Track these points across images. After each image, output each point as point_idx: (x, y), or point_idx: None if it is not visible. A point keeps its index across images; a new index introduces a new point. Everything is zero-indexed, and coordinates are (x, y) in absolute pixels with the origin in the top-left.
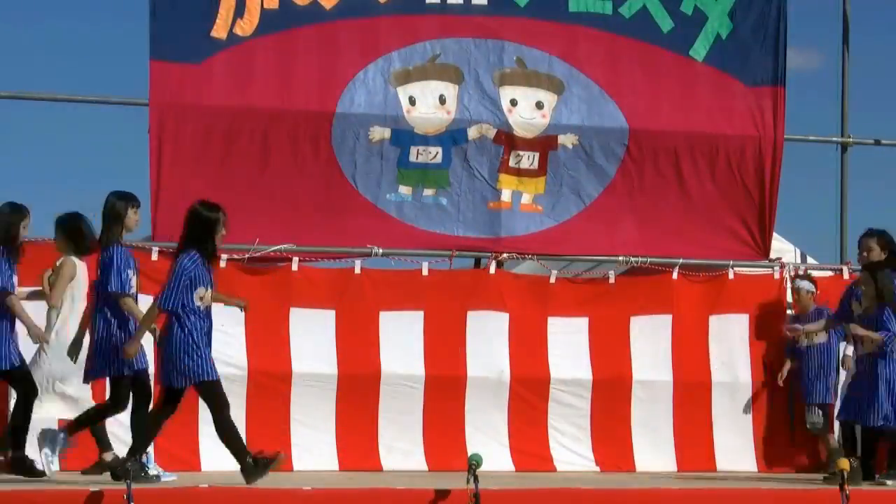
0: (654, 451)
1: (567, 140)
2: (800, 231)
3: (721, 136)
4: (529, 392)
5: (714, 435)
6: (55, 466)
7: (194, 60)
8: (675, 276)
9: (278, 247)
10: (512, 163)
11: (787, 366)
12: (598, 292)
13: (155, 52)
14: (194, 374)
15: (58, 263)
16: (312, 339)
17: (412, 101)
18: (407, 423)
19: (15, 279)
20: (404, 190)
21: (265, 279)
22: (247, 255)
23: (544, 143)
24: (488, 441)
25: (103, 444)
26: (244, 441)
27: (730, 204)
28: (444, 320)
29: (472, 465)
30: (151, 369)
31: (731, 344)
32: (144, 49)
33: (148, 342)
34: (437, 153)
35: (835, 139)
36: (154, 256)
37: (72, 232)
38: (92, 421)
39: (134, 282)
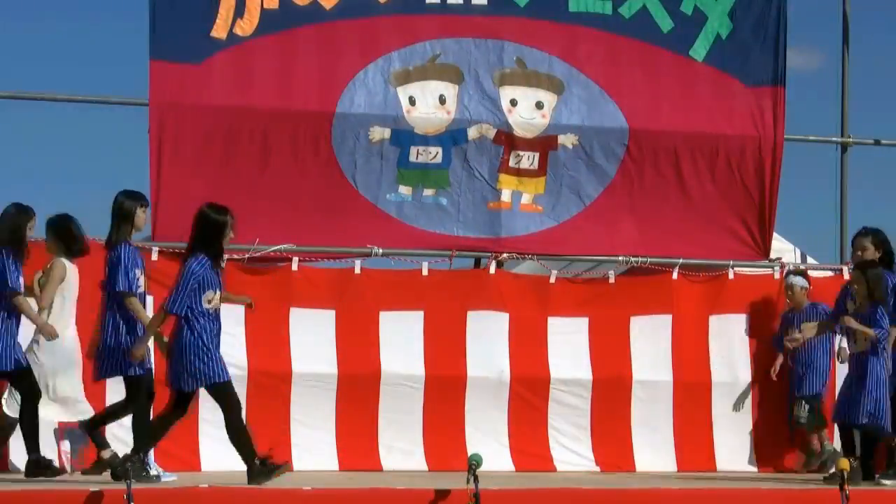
0: (654, 451)
1: (567, 140)
2: (800, 231)
3: (721, 136)
4: (529, 392)
5: (714, 435)
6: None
7: (194, 60)
8: (675, 276)
9: (278, 247)
10: (512, 163)
11: (780, 360)
12: (598, 292)
13: (155, 52)
14: (205, 376)
15: (48, 265)
16: (312, 339)
17: (412, 101)
18: (407, 423)
19: (21, 280)
20: (404, 190)
21: (265, 279)
22: (247, 255)
23: (544, 143)
24: (488, 441)
25: (100, 442)
26: (253, 444)
27: (730, 204)
28: (444, 320)
29: (472, 465)
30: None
31: (730, 344)
32: (144, 49)
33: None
34: (437, 153)
35: (835, 139)
36: (154, 256)
37: (62, 233)
38: (108, 420)
39: (142, 281)
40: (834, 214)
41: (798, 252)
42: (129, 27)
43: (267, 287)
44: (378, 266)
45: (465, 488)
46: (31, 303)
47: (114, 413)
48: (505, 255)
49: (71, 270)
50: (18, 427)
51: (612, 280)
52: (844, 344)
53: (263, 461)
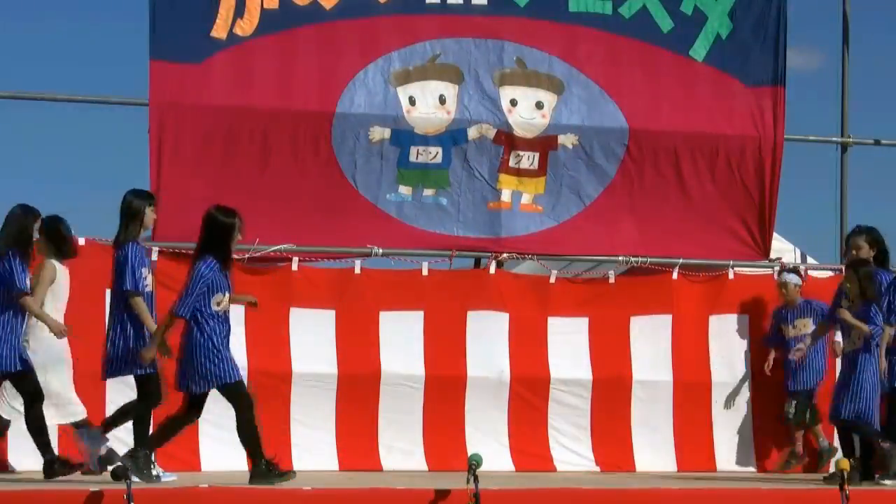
0: (654, 451)
1: (567, 140)
2: (800, 231)
3: (721, 136)
4: (529, 392)
5: (714, 435)
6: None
7: (194, 60)
8: (675, 276)
9: (278, 247)
10: (512, 163)
11: (772, 354)
12: (598, 292)
13: (155, 52)
14: (216, 377)
15: (38, 266)
16: (312, 339)
17: (412, 101)
18: (407, 423)
19: (28, 280)
20: (404, 190)
21: (265, 279)
22: (247, 255)
23: (544, 143)
24: (488, 441)
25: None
26: (262, 446)
27: (730, 204)
28: (444, 320)
29: (472, 465)
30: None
31: (730, 344)
32: (144, 49)
33: None
34: (437, 153)
35: (835, 139)
36: (154, 256)
37: (52, 235)
38: (120, 421)
39: (149, 280)
40: (834, 214)
41: (798, 252)
42: (129, 27)
43: (267, 287)
44: (378, 266)
45: (465, 488)
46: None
47: (127, 413)
48: (505, 255)
49: (61, 272)
50: (11, 428)
51: (612, 280)
52: (839, 338)
53: (269, 464)
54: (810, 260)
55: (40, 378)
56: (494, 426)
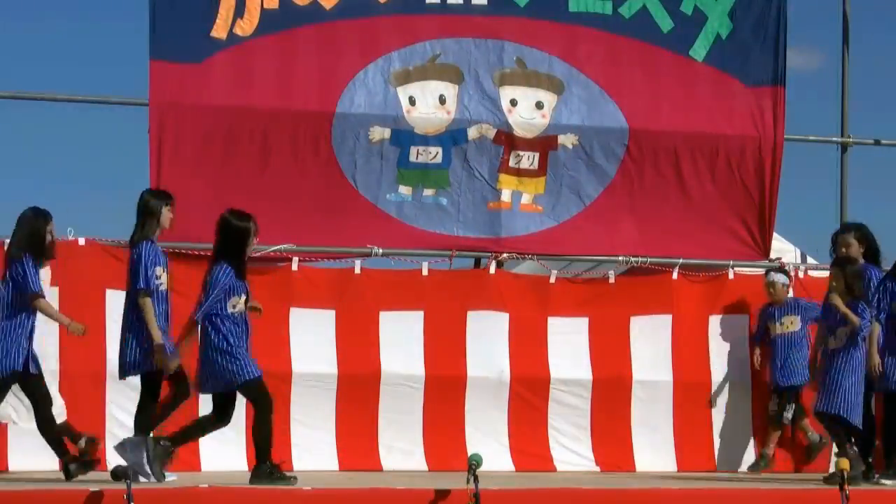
0: (654, 451)
1: (567, 140)
2: (800, 231)
3: (721, 136)
4: (529, 392)
5: (714, 435)
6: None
7: (194, 60)
8: (675, 276)
9: (278, 247)
10: (512, 163)
11: (758, 351)
12: (598, 292)
13: (155, 52)
14: (235, 375)
15: None
16: (312, 339)
17: (412, 101)
18: (407, 423)
19: (41, 282)
20: (404, 190)
21: (265, 279)
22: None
23: (544, 143)
24: (488, 441)
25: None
26: (271, 447)
27: (730, 204)
28: (444, 320)
29: (472, 465)
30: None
31: (731, 344)
32: (144, 49)
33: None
34: (437, 153)
35: (835, 139)
36: None
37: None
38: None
39: (164, 279)
40: (834, 214)
41: (798, 252)
42: (129, 27)
43: (267, 287)
44: (378, 266)
45: (465, 488)
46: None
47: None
48: (505, 255)
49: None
50: (11, 429)
51: (612, 280)
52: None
53: (273, 466)
54: (810, 260)
55: None
56: (494, 426)
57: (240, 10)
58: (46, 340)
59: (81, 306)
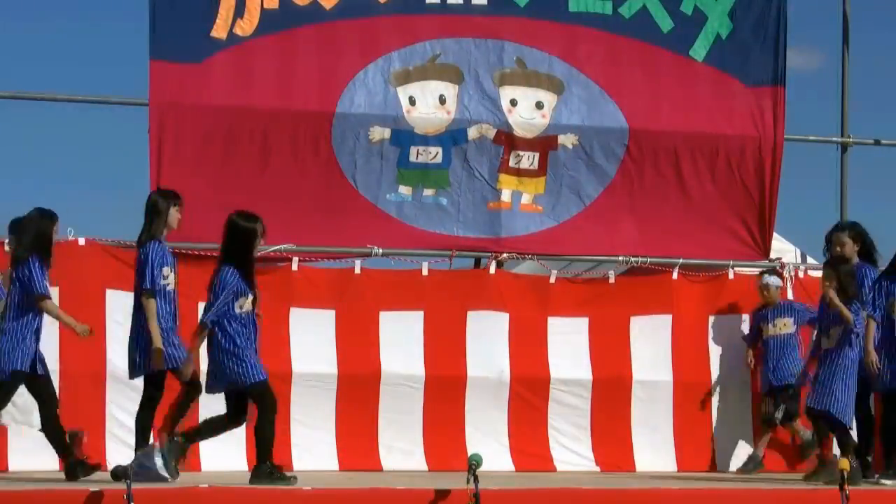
0: (654, 451)
1: (567, 140)
2: (800, 231)
3: (721, 136)
4: (529, 392)
5: (714, 435)
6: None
7: (194, 60)
8: (675, 276)
9: (278, 247)
10: (512, 163)
11: (750, 352)
12: (598, 292)
13: (155, 52)
14: (241, 376)
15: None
16: (312, 339)
17: (412, 101)
18: (407, 423)
19: (48, 283)
20: (404, 190)
21: (265, 279)
22: None
23: (544, 143)
24: (488, 441)
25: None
26: (272, 448)
27: (730, 204)
28: (444, 320)
29: (472, 465)
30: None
31: (731, 344)
32: (144, 49)
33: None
34: (437, 153)
35: (835, 139)
36: None
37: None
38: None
39: (172, 279)
40: (834, 214)
41: (798, 252)
42: (129, 27)
43: (267, 287)
44: (378, 266)
45: (465, 488)
46: None
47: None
48: (505, 255)
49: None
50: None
51: (612, 280)
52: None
53: (273, 468)
54: (810, 260)
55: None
56: (494, 426)
57: (240, 10)
58: (46, 340)
59: (81, 306)
